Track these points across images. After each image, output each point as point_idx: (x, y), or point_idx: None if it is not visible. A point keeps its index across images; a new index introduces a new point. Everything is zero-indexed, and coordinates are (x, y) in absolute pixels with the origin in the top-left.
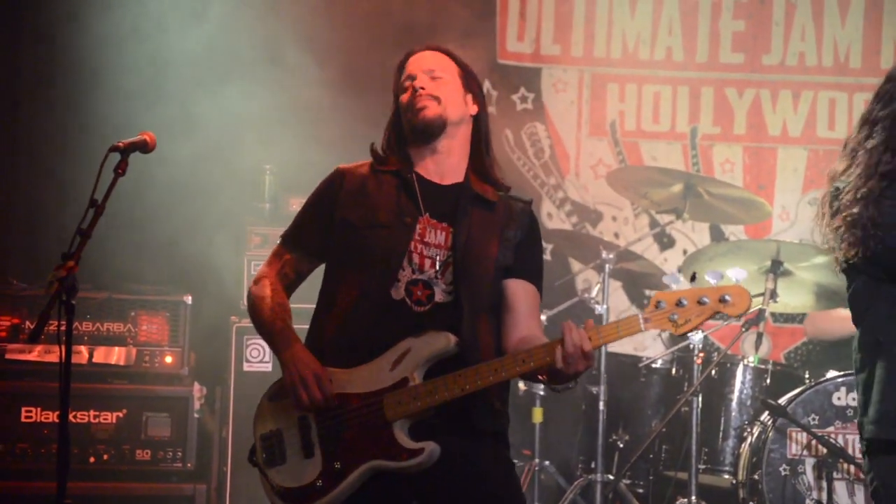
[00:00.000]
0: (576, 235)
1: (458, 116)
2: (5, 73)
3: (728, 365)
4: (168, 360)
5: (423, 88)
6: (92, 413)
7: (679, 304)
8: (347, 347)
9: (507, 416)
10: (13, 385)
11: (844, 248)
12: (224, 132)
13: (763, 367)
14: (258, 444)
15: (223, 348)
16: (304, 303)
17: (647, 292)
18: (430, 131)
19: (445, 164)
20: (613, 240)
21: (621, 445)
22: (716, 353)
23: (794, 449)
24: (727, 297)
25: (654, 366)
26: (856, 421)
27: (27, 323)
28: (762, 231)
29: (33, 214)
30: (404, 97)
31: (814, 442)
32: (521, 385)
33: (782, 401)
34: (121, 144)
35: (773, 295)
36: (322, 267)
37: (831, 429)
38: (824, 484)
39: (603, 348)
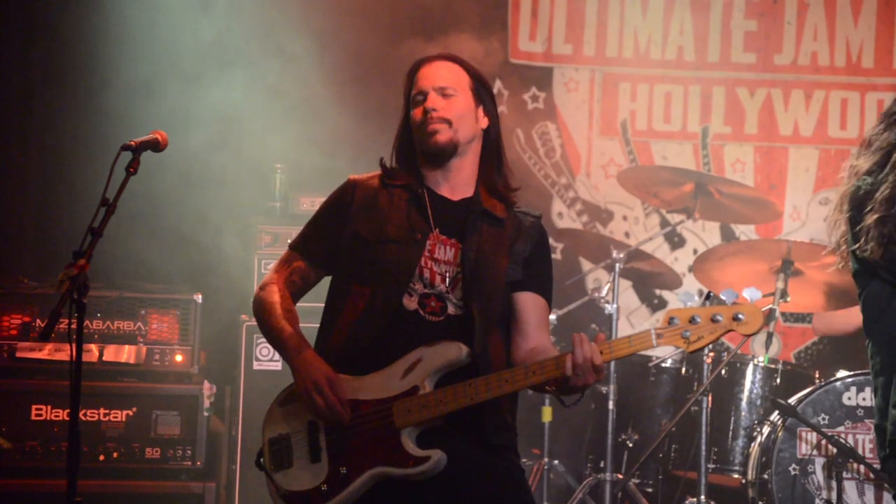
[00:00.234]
0: (586, 235)
1: (469, 136)
2: (16, 71)
3: (738, 364)
4: (178, 358)
5: (434, 111)
6: (102, 411)
7: (692, 321)
8: (358, 355)
9: (515, 431)
10: (24, 383)
11: (872, 248)
12: (234, 131)
13: (773, 366)
14: (266, 448)
15: (233, 347)
16: (309, 301)
17: (658, 292)
18: (443, 155)
19: (456, 179)
20: (624, 239)
21: (631, 445)
22: (726, 353)
23: (803, 449)
24: (740, 316)
25: (663, 365)
26: (866, 421)
27: (38, 321)
28: (773, 231)
29: (44, 213)
30: (416, 115)
31: (824, 442)
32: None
33: (792, 400)
34: (132, 143)
35: (784, 295)
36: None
37: (841, 429)
38: (834, 484)
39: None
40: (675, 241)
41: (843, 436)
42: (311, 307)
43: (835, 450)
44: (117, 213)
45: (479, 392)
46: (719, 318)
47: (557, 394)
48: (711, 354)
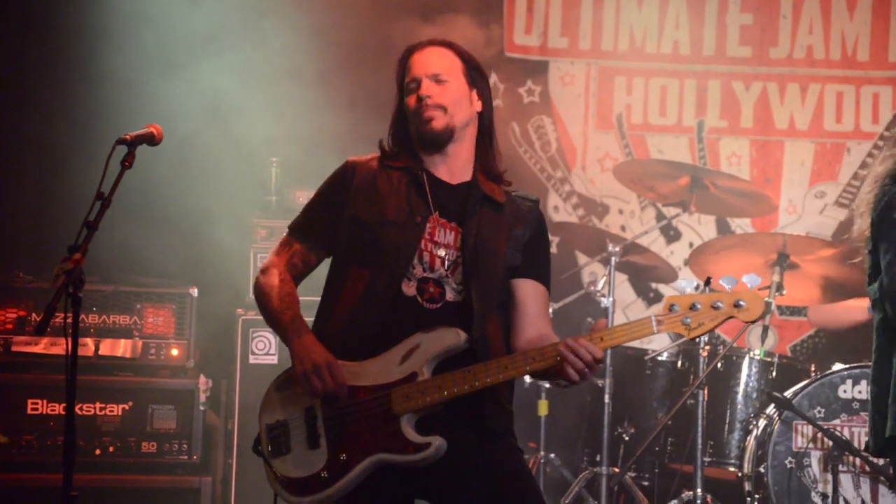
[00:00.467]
0: (582, 228)
1: (465, 121)
2: (12, 66)
3: (734, 358)
4: (174, 352)
5: (429, 97)
6: (98, 405)
7: (693, 307)
8: (356, 341)
9: (512, 414)
10: (19, 377)
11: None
12: (230, 125)
13: (769, 359)
14: (263, 434)
15: (229, 341)
16: (310, 295)
17: (654, 285)
18: (439, 141)
19: (454, 164)
20: (620, 233)
21: (627, 438)
22: (721, 346)
23: (799, 442)
24: (741, 303)
25: (659, 358)
26: (862, 414)
27: (33, 315)
28: (769, 224)
29: (40, 207)
30: (410, 102)
31: (819, 435)
32: (527, 378)
33: (788, 393)
34: (128, 137)
35: (780, 288)
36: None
37: (837, 421)
38: (830, 477)
39: None
40: (671, 234)
41: (838, 429)
42: (312, 301)
43: (831, 443)
44: (113, 207)
45: (478, 378)
46: (720, 304)
47: (556, 381)
48: (707, 348)
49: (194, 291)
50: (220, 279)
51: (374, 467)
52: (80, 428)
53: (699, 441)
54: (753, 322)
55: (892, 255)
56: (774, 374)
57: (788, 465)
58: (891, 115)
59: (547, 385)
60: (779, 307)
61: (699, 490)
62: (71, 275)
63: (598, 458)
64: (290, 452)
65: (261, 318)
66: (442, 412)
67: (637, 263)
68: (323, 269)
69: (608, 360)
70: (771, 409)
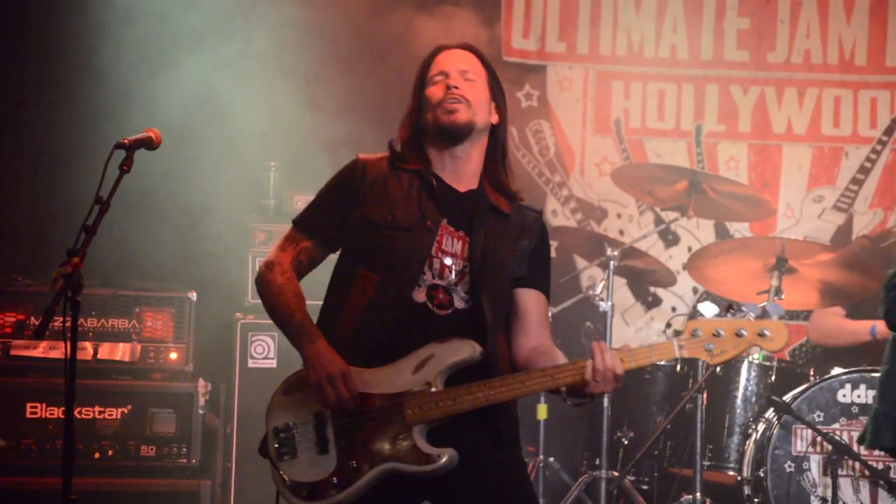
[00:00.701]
0: (580, 232)
1: (483, 124)
2: (9, 69)
3: (733, 362)
4: (173, 356)
5: (456, 88)
6: (97, 409)
7: (716, 334)
8: (368, 347)
9: (518, 422)
10: (18, 381)
11: None
12: (228, 129)
13: (768, 363)
14: (270, 437)
15: (228, 344)
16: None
17: (652, 289)
18: (458, 135)
19: (463, 169)
20: (618, 237)
21: (626, 442)
22: None
23: (798, 446)
24: (766, 332)
25: (658, 363)
26: (861, 418)
27: (32, 319)
28: (767, 228)
29: (38, 211)
30: (434, 92)
31: (819, 439)
32: None
33: (787, 398)
34: (126, 141)
35: (778, 292)
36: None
37: (836, 426)
38: (829, 481)
39: (608, 343)
40: (670, 238)
41: (838, 433)
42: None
43: (830, 447)
44: (111, 211)
45: (494, 393)
46: (744, 332)
47: (568, 398)
48: None
49: (193, 295)
50: (219, 283)
51: (383, 475)
52: (80, 431)
53: (698, 445)
54: (775, 353)
55: None
56: (773, 378)
57: (788, 470)
58: (889, 119)
59: None
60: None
61: (698, 494)
62: (70, 279)
63: (597, 462)
64: (297, 456)
65: (260, 322)
66: (455, 422)
67: (635, 267)
68: (323, 271)
69: None
70: (770, 413)
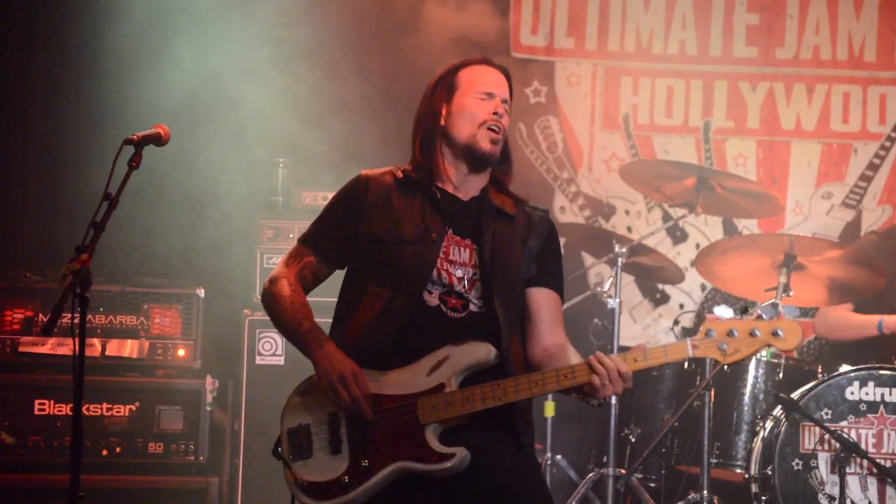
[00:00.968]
0: (588, 229)
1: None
2: (18, 66)
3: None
4: (181, 353)
5: (501, 119)
6: (105, 406)
7: (730, 334)
8: (377, 351)
9: (533, 425)
10: (26, 378)
11: None
12: (237, 125)
13: (776, 361)
14: (284, 438)
15: (236, 341)
16: (321, 296)
17: (660, 286)
18: (488, 164)
19: (470, 182)
20: (626, 233)
21: (633, 439)
22: None
23: (806, 443)
24: (779, 332)
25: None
26: (869, 416)
27: (40, 316)
28: (775, 225)
29: (47, 207)
30: (480, 108)
31: (827, 436)
32: None
33: (795, 395)
34: (135, 137)
35: (787, 289)
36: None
37: (844, 423)
38: (837, 479)
39: (615, 342)
40: (678, 235)
41: (846, 430)
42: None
43: (838, 445)
44: (119, 208)
45: (507, 393)
46: (758, 332)
47: (584, 398)
48: None
49: (201, 292)
50: (227, 280)
51: (395, 475)
52: (87, 428)
53: (706, 442)
54: (789, 352)
55: None
56: (781, 375)
57: (795, 467)
58: None
59: None
60: (786, 308)
61: (706, 492)
62: (78, 275)
63: (604, 460)
64: (311, 456)
65: (267, 319)
66: (470, 423)
67: (643, 264)
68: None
69: None
70: (778, 411)
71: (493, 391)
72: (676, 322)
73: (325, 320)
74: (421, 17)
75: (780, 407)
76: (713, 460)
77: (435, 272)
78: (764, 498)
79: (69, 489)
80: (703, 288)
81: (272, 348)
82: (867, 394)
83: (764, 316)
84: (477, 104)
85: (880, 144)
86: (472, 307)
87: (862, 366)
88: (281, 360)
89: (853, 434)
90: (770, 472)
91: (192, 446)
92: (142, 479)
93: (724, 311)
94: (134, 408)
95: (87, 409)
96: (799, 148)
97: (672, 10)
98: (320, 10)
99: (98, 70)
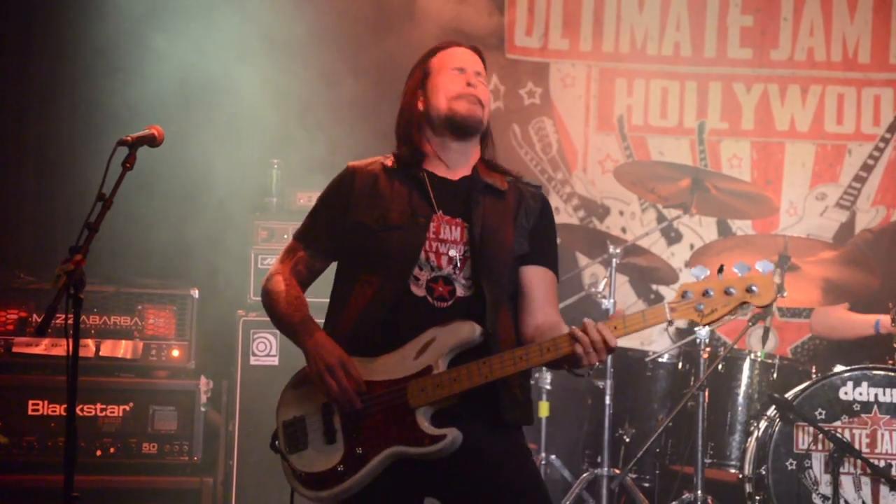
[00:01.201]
0: (583, 230)
1: (486, 125)
2: (14, 68)
3: (735, 359)
4: (175, 353)
5: (475, 87)
6: (99, 406)
7: (705, 294)
8: (367, 341)
9: (529, 405)
10: (20, 378)
11: None
12: (232, 126)
13: (770, 361)
14: (280, 431)
15: (230, 342)
16: (317, 297)
17: (654, 287)
18: (472, 130)
19: (459, 161)
20: (620, 234)
21: (627, 439)
22: (722, 348)
23: (800, 443)
24: (754, 288)
25: (660, 360)
26: (862, 416)
27: (34, 316)
28: (769, 226)
29: (41, 208)
30: (455, 82)
31: (820, 436)
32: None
33: (789, 395)
34: (129, 138)
35: (781, 290)
36: (333, 264)
37: (838, 423)
38: (831, 478)
39: None
40: (672, 236)
41: (839, 431)
42: (320, 302)
43: (832, 445)
44: (114, 209)
45: (493, 370)
46: (732, 290)
47: (570, 369)
48: (708, 349)
49: (195, 293)
50: (221, 280)
51: (390, 460)
52: (81, 429)
53: (700, 442)
54: (766, 307)
55: None
56: (775, 375)
57: (789, 467)
58: (892, 116)
59: (548, 386)
60: (780, 309)
61: (700, 492)
62: (72, 276)
63: (598, 460)
64: (306, 448)
65: (262, 319)
66: (457, 405)
67: (638, 265)
68: (330, 272)
69: (609, 362)
70: (772, 411)
71: (479, 369)
72: (670, 322)
73: (319, 320)
74: (416, 14)
75: (774, 407)
76: (707, 460)
77: (423, 255)
78: (758, 498)
79: (63, 490)
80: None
81: (266, 349)
82: (861, 394)
83: (739, 273)
84: (450, 79)
85: (874, 145)
86: (460, 291)
87: (856, 366)
88: (275, 361)
89: (847, 434)
90: (764, 472)
91: (186, 447)
92: (136, 480)
93: (699, 272)
94: (128, 408)
95: (81, 410)
96: (793, 149)
97: (666, 12)
98: (313, 8)
99: (93, 71)
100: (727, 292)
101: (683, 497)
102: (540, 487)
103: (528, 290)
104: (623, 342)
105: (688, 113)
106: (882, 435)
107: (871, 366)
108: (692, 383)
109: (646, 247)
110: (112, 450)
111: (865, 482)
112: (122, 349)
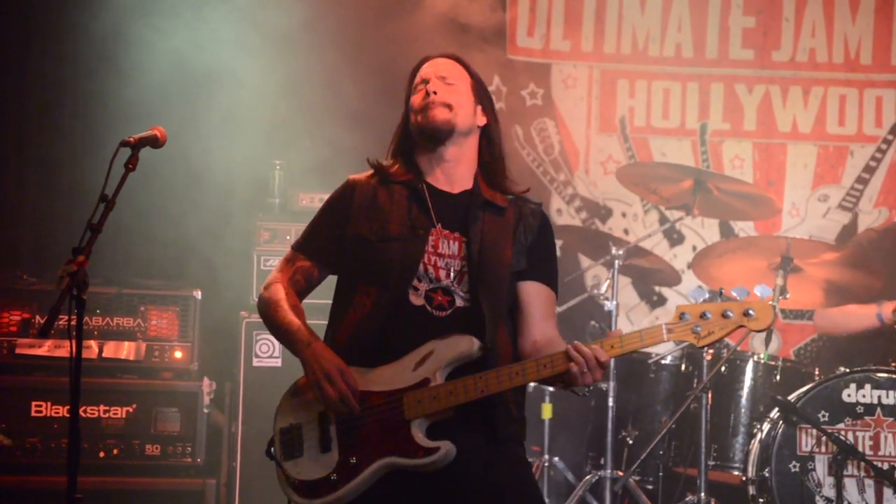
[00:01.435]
0: (585, 231)
1: (467, 126)
2: (14, 68)
3: (737, 361)
4: (178, 354)
5: (435, 93)
6: (102, 408)
7: (703, 316)
8: (365, 350)
9: (523, 423)
10: (23, 380)
11: None
12: (234, 127)
13: (773, 363)
14: (277, 438)
15: (233, 343)
16: (316, 298)
17: (657, 289)
18: (438, 136)
19: (454, 172)
20: (623, 236)
21: (631, 442)
22: (725, 350)
23: (803, 446)
24: (751, 312)
25: (663, 362)
26: (866, 418)
27: (37, 318)
28: (772, 227)
29: (43, 209)
30: (416, 99)
31: (824, 439)
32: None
33: (792, 397)
34: (131, 139)
35: (783, 291)
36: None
37: (841, 425)
38: (834, 481)
39: None
40: (674, 237)
41: (843, 433)
42: (319, 304)
43: (835, 447)
44: (116, 210)
45: (489, 385)
46: (730, 313)
47: (566, 388)
48: (711, 352)
49: (198, 294)
50: (224, 282)
51: (383, 471)
52: (84, 430)
53: (703, 445)
54: (763, 331)
55: None
56: (778, 377)
57: (793, 470)
58: (894, 117)
59: (551, 388)
60: (782, 311)
61: (703, 494)
62: (75, 277)
63: (601, 462)
64: (302, 456)
65: None
66: (452, 418)
67: (640, 266)
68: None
69: (612, 364)
70: (775, 413)
71: (475, 383)
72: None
73: (320, 322)
74: (418, 10)
75: (777, 409)
76: (710, 462)
77: (421, 267)
78: (761, 500)
79: (66, 491)
80: (707, 297)
81: (269, 350)
82: (864, 396)
83: (738, 297)
84: (414, 97)
85: (876, 147)
86: (459, 302)
87: (859, 368)
88: (278, 362)
89: (850, 436)
90: (767, 475)
91: (189, 448)
92: (139, 481)
93: (697, 294)
94: (131, 409)
95: (85, 411)
96: (795, 150)
97: (668, 13)
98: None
99: (94, 71)
100: (725, 315)
101: (687, 499)
102: (536, 499)
103: (525, 307)
104: (614, 330)
105: (690, 114)
106: (885, 437)
107: (874, 368)
108: (695, 385)
109: (648, 248)
110: (115, 451)
111: (869, 485)
112: (125, 350)
